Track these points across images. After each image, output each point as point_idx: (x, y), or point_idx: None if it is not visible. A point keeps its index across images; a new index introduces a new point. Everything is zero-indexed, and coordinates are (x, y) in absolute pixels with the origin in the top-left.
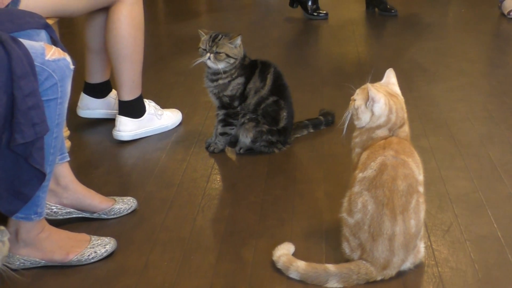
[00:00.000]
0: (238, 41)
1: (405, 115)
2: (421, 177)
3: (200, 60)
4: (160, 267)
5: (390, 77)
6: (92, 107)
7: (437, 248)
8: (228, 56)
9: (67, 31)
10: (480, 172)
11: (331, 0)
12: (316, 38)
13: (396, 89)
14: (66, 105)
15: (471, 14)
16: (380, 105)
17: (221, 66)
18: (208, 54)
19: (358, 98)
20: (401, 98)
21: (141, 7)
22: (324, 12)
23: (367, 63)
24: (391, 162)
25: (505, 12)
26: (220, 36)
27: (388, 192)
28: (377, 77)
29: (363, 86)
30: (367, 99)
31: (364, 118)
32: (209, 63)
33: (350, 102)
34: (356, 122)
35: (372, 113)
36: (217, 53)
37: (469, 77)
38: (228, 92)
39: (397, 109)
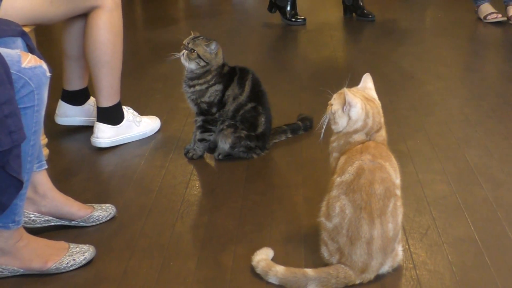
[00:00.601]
0: (213, 45)
1: (382, 120)
2: (398, 181)
3: (177, 55)
4: (139, 274)
5: (367, 82)
6: (70, 115)
7: (415, 251)
8: (199, 57)
9: (45, 38)
10: (457, 175)
11: (309, 6)
12: (294, 43)
13: (373, 94)
14: (43, 112)
15: (448, 19)
16: (357, 109)
17: (191, 66)
18: (184, 51)
19: (335, 103)
20: (378, 102)
21: (120, 14)
22: (302, 17)
23: (345, 68)
24: (368, 166)
25: (482, 17)
26: (201, 37)
27: (365, 196)
28: (355, 81)
29: (340, 91)
30: (344, 103)
31: (341, 123)
32: (182, 59)
33: (328, 107)
34: (333, 127)
35: (349, 118)
36: (191, 50)
37: (446, 81)
38: (205, 98)
39: (373, 113)
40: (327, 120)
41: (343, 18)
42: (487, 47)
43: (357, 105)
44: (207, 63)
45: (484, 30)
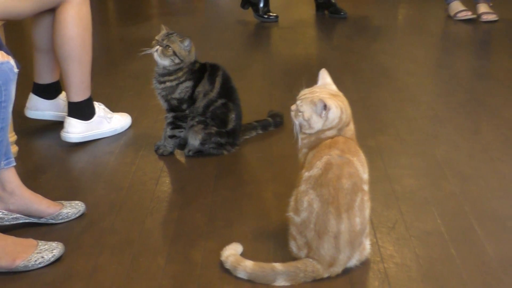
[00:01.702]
0: (187, 42)
1: (350, 113)
2: (366, 176)
3: (149, 50)
4: (108, 270)
5: (325, 78)
6: (40, 108)
7: (382, 245)
8: (174, 54)
9: (16, 34)
10: (425, 170)
11: (282, 3)
12: (266, 40)
13: (334, 88)
14: (10, 109)
15: (419, 16)
16: (333, 110)
17: (165, 62)
18: (157, 47)
19: (305, 109)
20: (343, 96)
21: (88, 8)
22: (275, 14)
23: (317, 65)
24: (337, 161)
25: (452, 14)
26: (175, 34)
27: (333, 191)
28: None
29: (304, 95)
30: (314, 106)
31: (317, 126)
32: (155, 55)
33: (292, 113)
34: (307, 131)
35: (326, 119)
36: (166, 46)
37: (417, 78)
38: (176, 95)
39: (345, 108)
40: (297, 126)
41: (316, 15)
42: (457, 45)
43: (332, 106)
44: (181, 60)
45: (454, 28)
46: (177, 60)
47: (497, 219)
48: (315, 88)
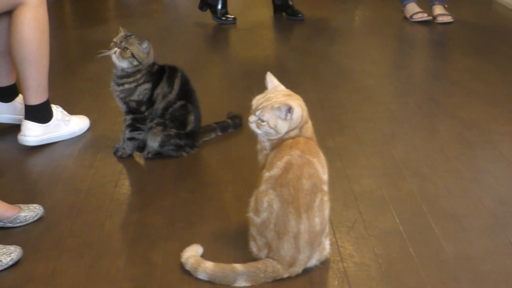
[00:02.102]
0: (146, 44)
1: (306, 109)
2: (325, 177)
3: (107, 52)
4: (67, 273)
5: (273, 81)
6: None
7: (342, 245)
8: (133, 56)
9: None
10: (383, 170)
11: (240, 5)
12: (225, 42)
13: (284, 88)
14: None
15: (376, 18)
16: (296, 110)
17: (123, 64)
18: (115, 49)
19: (268, 118)
20: (294, 93)
21: (45, 10)
22: (233, 16)
23: (275, 67)
24: (297, 162)
25: (408, 16)
26: (133, 35)
27: (293, 191)
28: (288, 79)
29: (261, 105)
30: (277, 112)
31: (284, 130)
32: (114, 57)
33: (252, 124)
34: (274, 137)
35: (291, 120)
36: (124, 48)
37: (373, 79)
38: (134, 97)
39: (302, 104)
40: (264, 134)
41: (273, 18)
42: (413, 46)
43: (295, 107)
44: (140, 63)
45: (411, 29)
46: (135, 62)
47: (454, 218)
48: (268, 94)
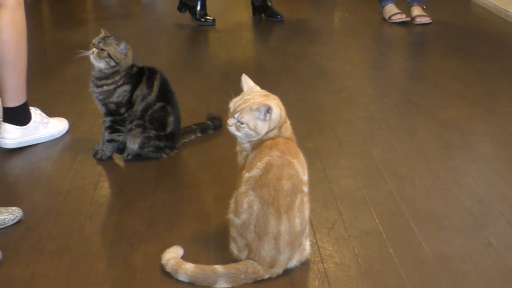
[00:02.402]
0: (123, 45)
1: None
2: (305, 177)
3: (86, 53)
4: (47, 276)
5: (248, 82)
6: None
7: (322, 245)
8: (109, 56)
9: None
10: (363, 170)
11: (219, 6)
12: (204, 44)
13: (259, 89)
14: None
15: (355, 20)
16: (275, 110)
17: (101, 65)
18: (93, 49)
19: (247, 119)
20: (270, 93)
21: (22, 12)
22: (212, 18)
23: (255, 68)
24: (277, 162)
25: (386, 17)
26: (111, 37)
27: (273, 192)
28: (266, 81)
29: (239, 108)
30: (256, 113)
31: (263, 131)
32: (91, 57)
33: (231, 127)
34: (254, 139)
35: (270, 121)
36: (101, 49)
37: (353, 80)
38: (114, 99)
39: (280, 104)
40: (244, 136)
41: (252, 19)
42: (392, 47)
43: (274, 107)
44: (117, 63)
45: (389, 30)
46: (112, 63)
47: (433, 218)
48: (245, 96)
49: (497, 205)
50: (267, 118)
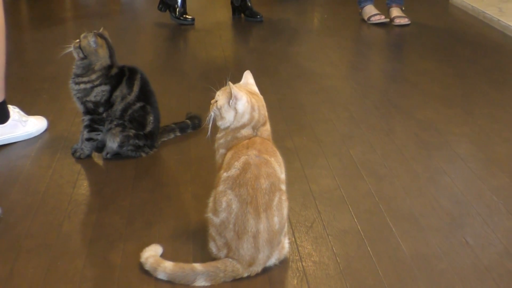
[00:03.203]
0: (92, 38)
1: (266, 113)
2: (283, 176)
3: (69, 48)
4: (25, 274)
5: (248, 78)
6: None
7: (301, 244)
8: (80, 47)
9: None
10: (342, 170)
11: (198, 6)
12: (183, 43)
13: (255, 89)
14: None
15: (334, 20)
16: (243, 102)
17: (74, 54)
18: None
19: (220, 98)
20: (261, 97)
21: (1, 10)
22: (191, 17)
23: (234, 68)
24: (254, 161)
25: (365, 18)
26: (93, 32)
27: (251, 191)
28: (237, 79)
29: (224, 88)
30: (230, 98)
31: (228, 117)
32: (72, 47)
33: (211, 104)
34: (220, 123)
35: (236, 111)
36: (78, 40)
37: (332, 80)
38: (91, 97)
39: (259, 106)
40: (212, 117)
41: (232, 19)
42: (371, 48)
43: (243, 97)
44: (85, 56)
45: (368, 31)
46: (81, 55)
47: (411, 217)
48: (236, 84)
49: (474, 205)
50: (232, 104)
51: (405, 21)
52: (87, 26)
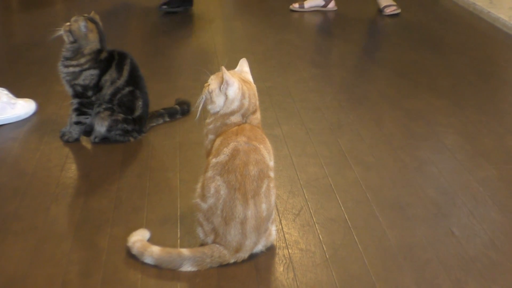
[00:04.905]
0: (82, 23)
1: (257, 102)
2: (271, 163)
3: (59, 31)
4: (11, 257)
5: (243, 66)
6: None
7: (288, 231)
8: (70, 31)
9: None
10: (329, 158)
11: None
12: (173, 28)
13: (249, 77)
14: None
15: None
16: (234, 88)
17: (64, 37)
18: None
19: (212, 82)
20: (253, 85)
21: None
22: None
23: (223, 54)
24: (243, 148)
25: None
26: (84, 17)
27: (240, 177)
28: (232, 67)
29: (217, 72)
30: (222, 83)
31: (218, 102)
32: (62, 30)
33: (204, 87)
34: (210, 107)
35: (226, 97)
36: (70, 24)
37: (321, 69)
38: (80, 81)
39: (250, 95)
40: (203, 100)
41: (224, 5)
42: (361, 37)
43: (234, 84)
44: (75, 40)
45: (359, 21)
46: (71, 38)
47: (397, 207)
48: (230, 71)
49: (461, 196)
50: (223, 89)
51: (394, 9)
52: (77, 9)
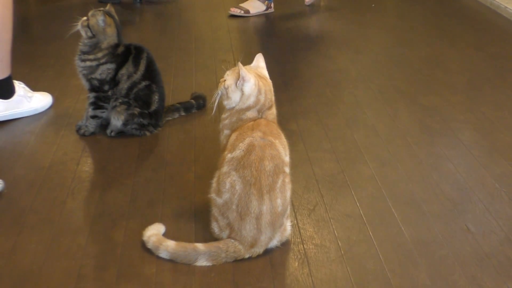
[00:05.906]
0: (101, 17)
1: (273, 98)
2: (287, 158)
3: (77, 27)
4: (28, 250)
5: (259, 61)
6: None
7: (303, 226)
8: (88, 26)
9: None
10: (345, 154)
11: None
12: (189, 22)
13: (265, 73)
14: None
15: (340, 2)
16: (250, 84)
17: (82, 33)
18: (84, 18)
19: (228, 78)
20: (269, 81)
21: None
22: None
23: (239, 48)
24: (259, 143)
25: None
26: (102, 10)
27: (255, 172)
28: (248, 61)
29: (233, 68)
30: (238, 79)
31: (234, 98)
32: (79, 25)
33: (220, 83)
34: (225, 102)
35: (242, 93)
36: (87, 18)
37: (337, 64)
38: (97, 75)
39: (266, 90)
40: (219, 96)
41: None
42: (376, 31)
43: (251, 80)
44: (94, 35)
45: (374, 15)
46: (89, 33)
47: (413, 203)
48: (246, 66)
49: (476, 192)
50: (239, 85)
51: None
52: (93, 5)
